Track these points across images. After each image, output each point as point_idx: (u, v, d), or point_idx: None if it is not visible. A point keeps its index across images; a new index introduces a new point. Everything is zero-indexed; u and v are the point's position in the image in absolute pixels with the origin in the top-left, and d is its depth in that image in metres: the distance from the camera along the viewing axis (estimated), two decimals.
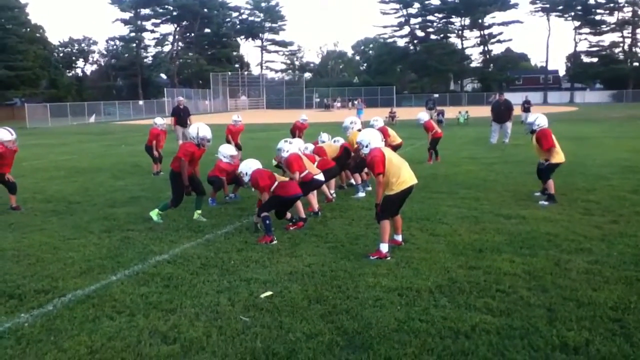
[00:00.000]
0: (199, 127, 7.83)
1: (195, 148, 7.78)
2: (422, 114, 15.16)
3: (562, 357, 3.67)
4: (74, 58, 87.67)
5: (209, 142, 7.87)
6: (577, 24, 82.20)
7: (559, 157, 8.84)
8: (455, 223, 7.38)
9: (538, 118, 9.08)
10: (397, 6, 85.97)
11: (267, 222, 6.76)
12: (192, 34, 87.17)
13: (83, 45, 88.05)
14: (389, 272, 5.43)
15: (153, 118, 14.61)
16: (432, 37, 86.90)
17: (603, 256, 5.77)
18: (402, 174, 6.09)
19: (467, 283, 5.07)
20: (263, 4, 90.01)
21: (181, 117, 17.62)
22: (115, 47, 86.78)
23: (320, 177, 8.07)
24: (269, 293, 4.94)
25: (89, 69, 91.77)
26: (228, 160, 9.40)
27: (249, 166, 7.33)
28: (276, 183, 7.16)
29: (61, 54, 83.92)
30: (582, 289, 4.85)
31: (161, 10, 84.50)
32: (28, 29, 68.62)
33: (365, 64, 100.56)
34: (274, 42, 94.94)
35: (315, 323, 4.28)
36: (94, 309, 4.67)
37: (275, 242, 6.61)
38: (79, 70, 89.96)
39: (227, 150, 9.66)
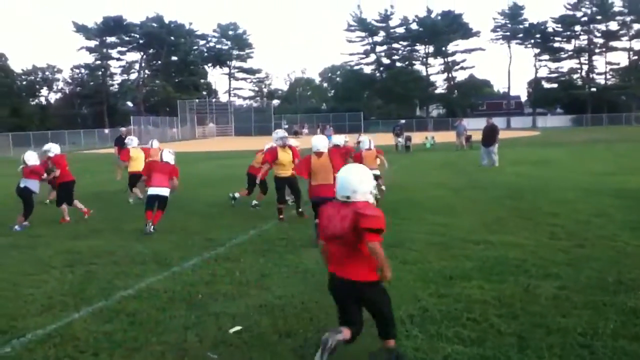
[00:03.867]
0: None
1: None
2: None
3: None
4: (37, 86, 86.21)
5: None
6: (537, 51, 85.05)
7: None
8: (425, 249, 7.38)
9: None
10: (363, 34, 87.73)
11: None
12: (159, 62, 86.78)
13: (47, 73, 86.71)
14: None
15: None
16: (398, 64, 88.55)
17: (570, 281, 5.83)
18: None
19: (438, 312, 5.04)
20: (230, 32, 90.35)
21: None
22: (80, 75, 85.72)
23: None
24: (238, 328, 4.82)
25: (54, 97, 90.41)
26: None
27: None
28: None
29: (24, 82, 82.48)
30: (551, 315, 4.88)
31: (127, 38, 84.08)
32: None
33: (332, 91, 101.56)
34: (242, 70, 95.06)
35: (286, 358, 4.19)
36: (55, 349, 4.48)
37: None
38: (42, 99, 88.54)
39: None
